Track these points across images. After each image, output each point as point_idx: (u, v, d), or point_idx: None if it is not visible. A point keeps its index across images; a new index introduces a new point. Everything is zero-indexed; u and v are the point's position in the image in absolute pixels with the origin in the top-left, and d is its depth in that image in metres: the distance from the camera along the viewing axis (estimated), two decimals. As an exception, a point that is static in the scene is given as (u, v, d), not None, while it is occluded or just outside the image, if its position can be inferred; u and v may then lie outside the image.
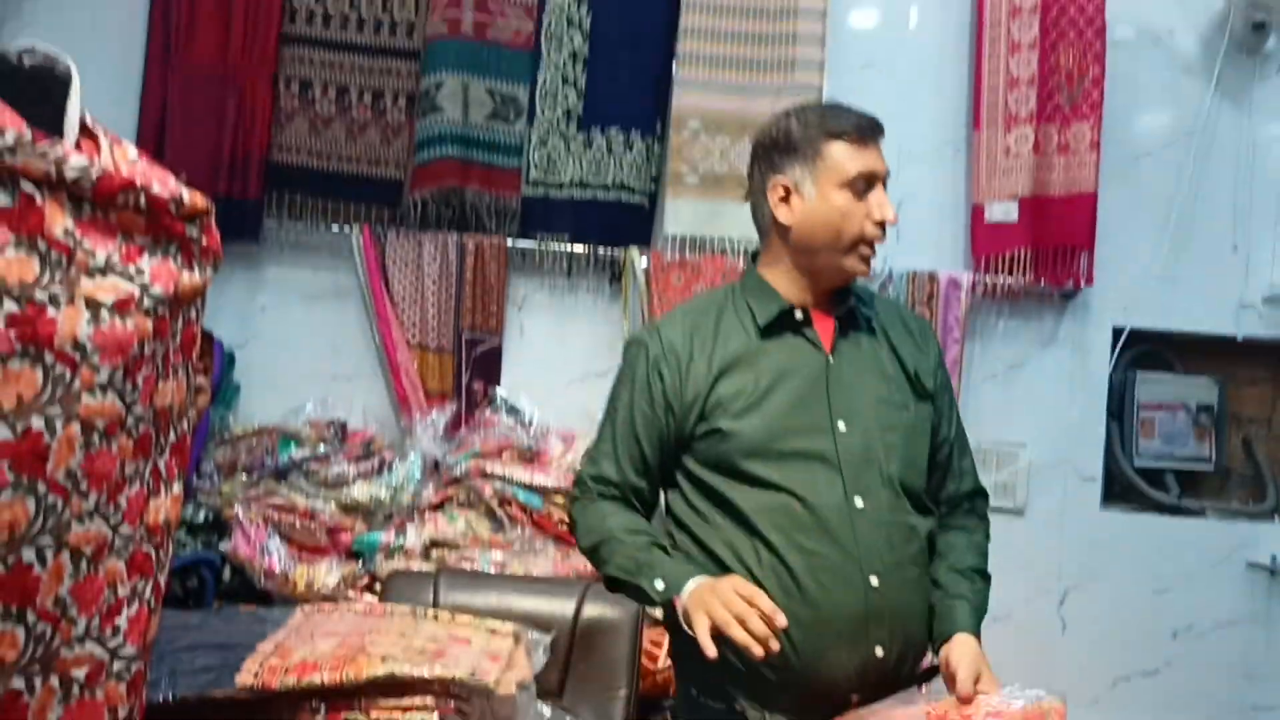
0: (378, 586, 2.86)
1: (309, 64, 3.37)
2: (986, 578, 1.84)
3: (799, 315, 1.81)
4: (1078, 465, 3.37)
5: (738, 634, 1.52)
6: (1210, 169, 3.38)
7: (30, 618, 1.10)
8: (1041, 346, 3.38)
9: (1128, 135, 3.37)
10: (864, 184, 1.74)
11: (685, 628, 1.59)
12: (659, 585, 1.66)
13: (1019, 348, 3.38)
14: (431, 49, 3.31)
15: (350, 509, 3.00)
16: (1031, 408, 3.37)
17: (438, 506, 3.05)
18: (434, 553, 2.94)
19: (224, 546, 2.81)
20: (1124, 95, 3.34)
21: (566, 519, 1.94)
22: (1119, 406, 3.43)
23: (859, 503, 1.71)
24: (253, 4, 3.30)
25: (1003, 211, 3.26)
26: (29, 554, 1.09)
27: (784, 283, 1.83)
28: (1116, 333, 3.36)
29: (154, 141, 3.24)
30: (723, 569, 1.69)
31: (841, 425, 1.74)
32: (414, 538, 2.97)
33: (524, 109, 3.35)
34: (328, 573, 2.85)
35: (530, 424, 3.19)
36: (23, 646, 1.10)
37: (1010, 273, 3.27)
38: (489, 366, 3.34)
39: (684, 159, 3.28)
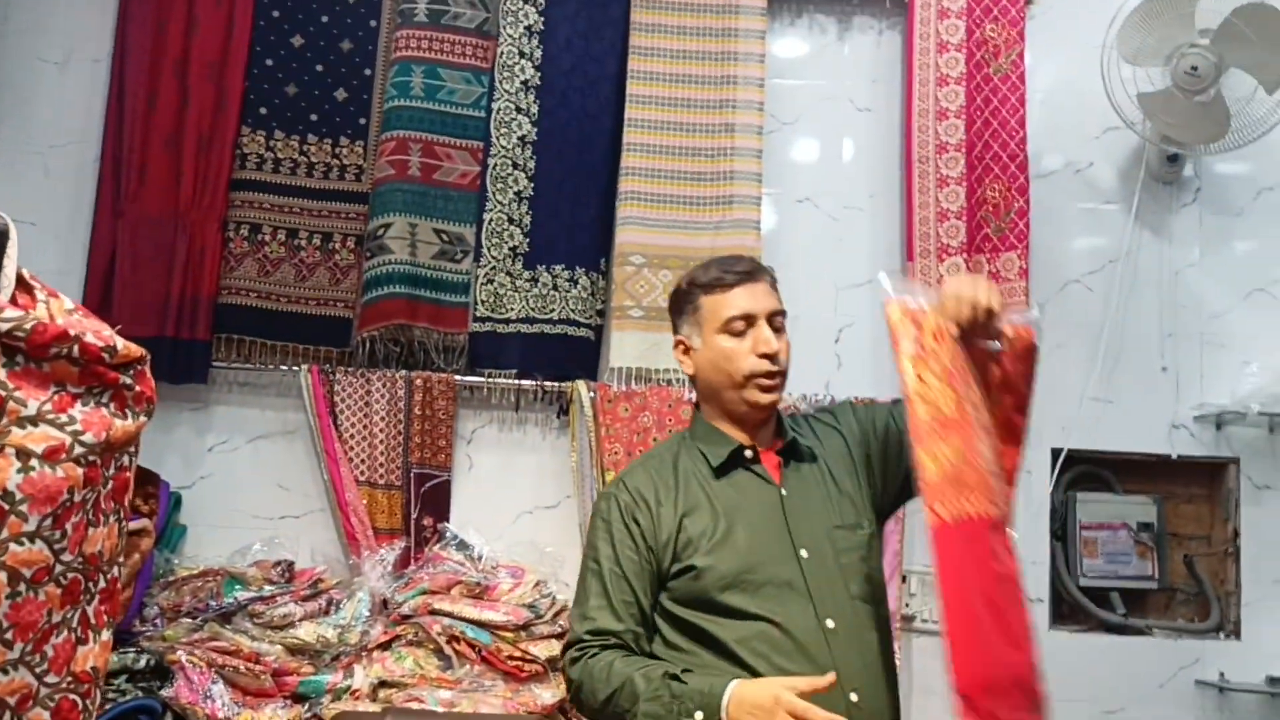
0: (323, 730, 2.82)
1: (258, 208, 3.44)
2: None
3: (748, 454, 1.95)
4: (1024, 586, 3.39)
5: None
6: (1135, 293, 3.51)
7: (-50, 772, 1.09)
8: (982, 469, 3.43)
9: (1055, 263, 3.50)
10: (742, 324, 1.92)
11: None
12: (700, 716, 1.67)
13: (962, 471, 3.43)
14: (379, 192, 3.39)
15: (297, 650, 2.96)
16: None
17: (385, 645, 3.01)
18: (381, 692, 2.90)
19: (166, 693, 2.76)
20: (1050, 225, 3.48)
21: (565, 683, 1.91)
22: (1061, 527, 3.47)
23: (830, 624, 1.80)
24: (203, 151, 3.39)
25: (938, 338, 3.35)
26: (-50, 706, 1.09)
27: (724, 425, 1.98)
28: (1055, 454, 3.43)
29: (102, 286, 3.28)
30: None
31: (804, 552, 1.85)
32: (361, 678, 2.93)
33: (471, 248, 3.43)
34: (272, 716, 2.80)
35: (480, 559, 3.19)
36: (-58, 803, 1.09)
37: (949, 397, 3.34)
38: (438, 502, 3.34)
39: (628, 293, 3.36)
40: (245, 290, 3.40)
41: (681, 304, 2.01)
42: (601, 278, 3.42)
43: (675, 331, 2.03)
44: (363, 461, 3.33)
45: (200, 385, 3.34)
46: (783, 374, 1.96)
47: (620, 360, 3.34)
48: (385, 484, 3.33)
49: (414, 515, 3.32)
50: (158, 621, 2.99)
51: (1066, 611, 3.46)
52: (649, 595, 1.87)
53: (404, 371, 3.34)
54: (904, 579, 3.31)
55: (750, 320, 1.93)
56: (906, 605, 3.32)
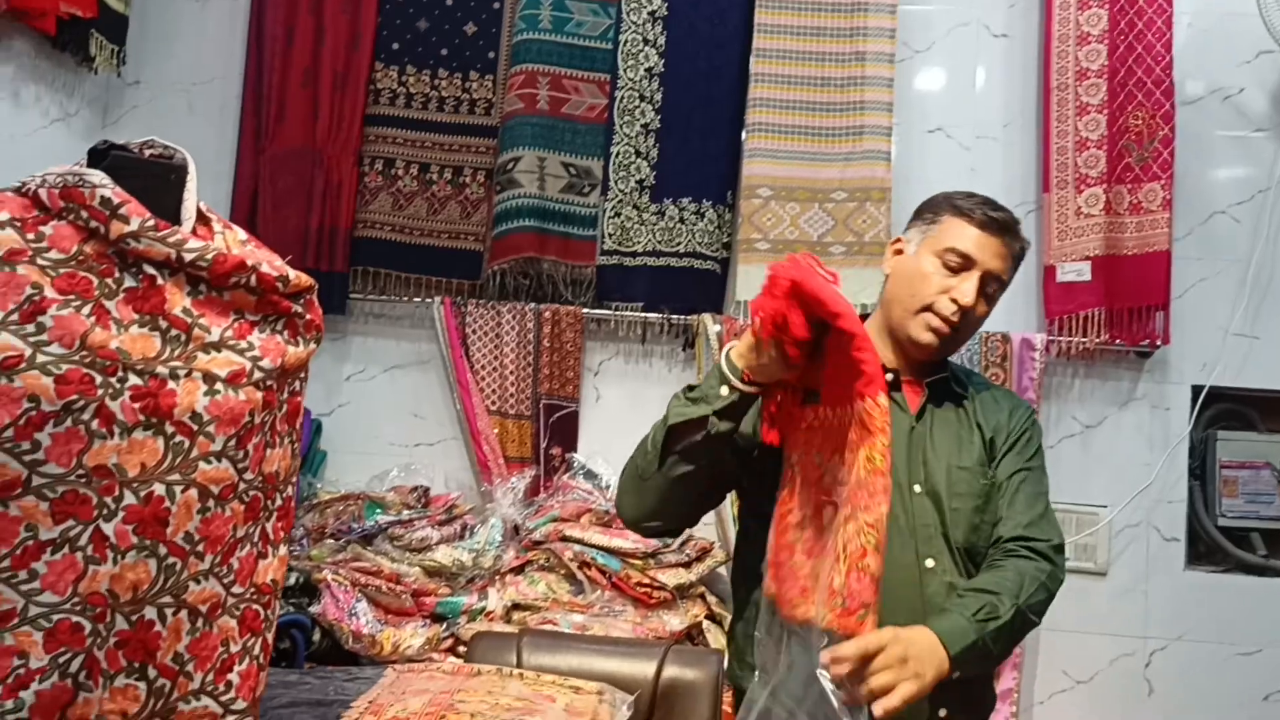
0: (461, 648, 2.92)
1: (391, 142, 3.51)
2: (991, 594, 1.71)
3: (890, 377, 1.82)
4: (1160, 526, 3.33)
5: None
6: (1286, 224, 3.37)
7: (151, 673, 1.17)
8: (1119, 406, 3.36)
9: (1200, 193, 3.37)
10: (958, 262, 1.81)
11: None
12: (724, 391, 1.66)
13: (1096, 408, 3.37)
14: (508, 126, 3.43)
15: (434, 573, 3.07)
16: (1110, 468, 3.34)
17: (518, 570, 3.10)
18: (515, 615, 2.99)
19: (314, 609, 2.89)
20: (1195, 154, 3.35)
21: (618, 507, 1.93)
22: (1200, 466, 3.39)
23: (929, 564, 1.77)
24: (339, 87, 3.47)
25: (1075, 272, 3.28)
26: (150, 612, 1.17)
27: (880, 346, 1.86)
28: (1196, 391, 3.33)
29: (247, 220, 3.40)
30: None
31: (917, 488, 1.80)
32: (495, 601, 3.02)
33: (599, 181, 3.45)
34: (413, 635, 2.91)
35: (607, 488, 3.25)
36: (144, 700, 1.17)
37: (1084, 333, 3.27)
38: (566, 432, 3.41)
39: (755, 226, 3.35)
40: (380, 224, 3.48)
41: (924, 210, 1.92)
42: (728, 210, 3.41)
43: (904, 231, 1.95)
44: (493, 391, 3.40)
45: (339, 316, 3.45)
46: (958, 331, 1.84)
47: (746, 293, 3.34)
48: (515, 414, 3.40)
49: (543, 445, 3.39)
50: (304, 542, 3.13)
51: (1204, 551, 3.38)
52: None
53: (533, 304, 3.40)
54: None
55: (967, 265, 1.81)
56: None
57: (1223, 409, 3.43)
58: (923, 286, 1.82)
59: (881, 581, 1.53)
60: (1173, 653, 3.29)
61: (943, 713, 1.70)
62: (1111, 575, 3.31)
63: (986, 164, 3.43)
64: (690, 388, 1.75)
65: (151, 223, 1.20)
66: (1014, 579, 1.74)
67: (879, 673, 1.46)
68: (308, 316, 1.36)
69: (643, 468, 1.78)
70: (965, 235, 1.81)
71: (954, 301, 1.79)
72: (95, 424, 1.13)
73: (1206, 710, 3.26)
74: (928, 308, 1.82)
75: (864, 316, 1.94)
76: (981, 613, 1.66)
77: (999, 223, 1.83)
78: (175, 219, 1.27)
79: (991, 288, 1.83)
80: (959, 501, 1.81)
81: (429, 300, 3.44)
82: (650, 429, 1.83)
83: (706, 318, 3.33)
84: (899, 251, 1.92)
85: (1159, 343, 3.26)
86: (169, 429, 1.18)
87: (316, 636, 2.89)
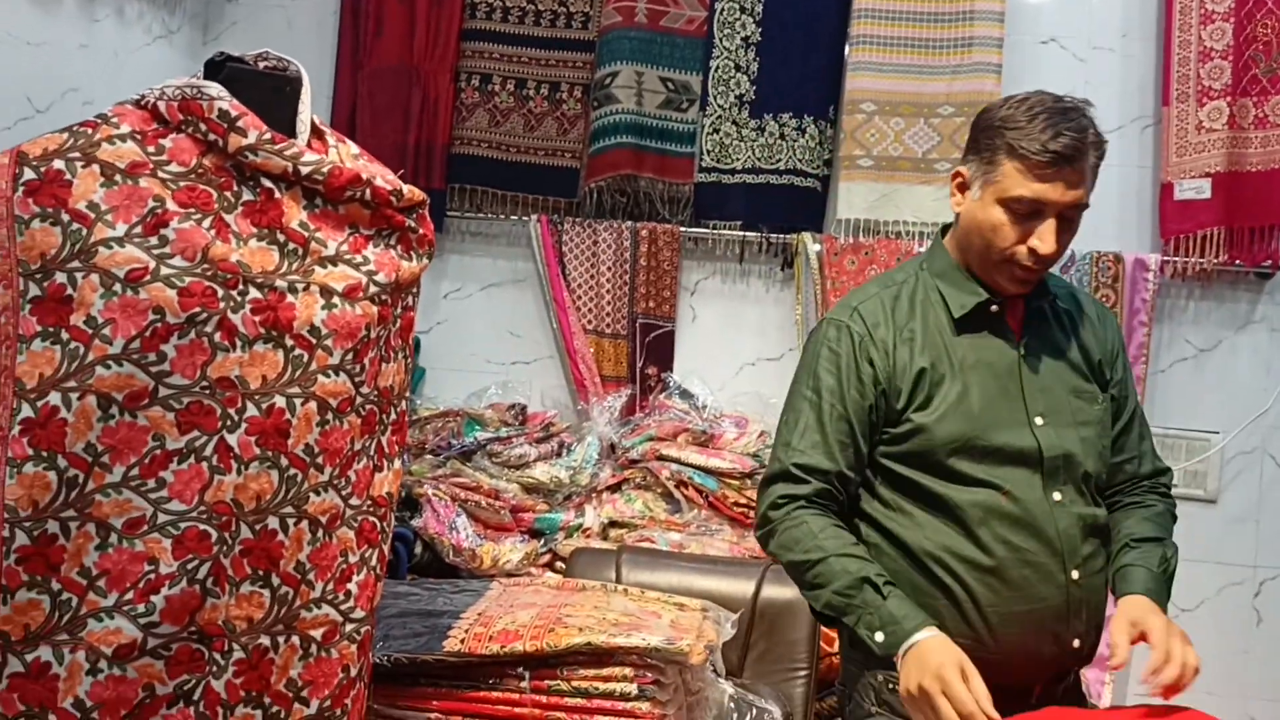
0: (559, 564, 2.96)
1: (488, 58, 3.48)
2: (1164, 543, 1.78)
3: (994, 308, 1.77)
4: (1275, 453, 3.23)
5: None
6: None
7: (275, 581, 1.20)
8: (1235, 329, 3.24)
9: (1331, 106, 3.20)
10: (1029, 209, 1.65)
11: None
12: (879, 638, 1.61)
13: (1211, 331, 3.25)
14: (606, 40, 3.37)
15: (531, 489, 3.11)
16: (1224, 393, 3.23)
17: (615, 488, 3.12)
18: (612, 532, 3.02)
19: (415, 523, 2.94)
20: (1327, 64, 3.18)
21: (756, 512, 1.82)
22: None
23: (1057, 496, 1.72)
24: (436, 3, 3.43)
25: (1194, 189, 3.14)
26: (273, 522, 1.19)
27: (964, 277, 1.78)
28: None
29: (346, 135, 3.40)
30: (922, 568, 1.71)
31: (1039, 420, 1.74)
32: (593, 517, 3.05)
33: (697, 96, 3.38)
34: (512, 549, 2.96)
35: (704, 408, 3.24)
36: (268, 607, 1.20)
37: (1201, 253, 3.14)
38: (663, 351, 3.39)
39: (857, 142, 3.27)
40: (476, 140, 3.47)
41: (980, 141, 1.71)
42: (830, 126, 3.33)
43: (963, 158, 1.75)
44: (590, 310, 3.40)
45: (437, 233, 3.45)
46: (1049, 265, 1.72)
47: (848, 211, 3.27)
48: (611, 333, 3.40)
49: (639, 364, 3.39)
50: (405, 457, 3.18)
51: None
52: (868, 441, 1.75)
53: (630, 222, 3.37)
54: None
55: (1039, 209, 1.64)
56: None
57: (1346, 333, 3.28)
58: (996, 239, 1.68)
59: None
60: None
61: (1075, 643, 1.70)
62: (1222, 503, 3.23)
63: (1102, 77, 3.28)
64: (870, 582, 1.66)
65: (268, 136, 1.20)
66: (1167, 521, 1.82)
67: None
68: (420, 231, 1.35)
69: (790, 564, 1.74)
70: (1030, 184, 1.63)
71: (1034, 249, 1.66)
72: (218, 336, 1.14)
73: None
74: (1007, 261, 1.69)
75: (944, 229, 1.86)
76: (1162, 565, 1.74)
77: (1064, 155, 1.62)
78: (291, 132, 1.26)
79: (1074, 212, 1.67)
80: (1086, 430, 1.76)
81: (525, 218, 3.43)
82: (794, 409, 1.79)
83: (806, 236, 3.27)
84: (963, 187, 1.75)
85: (1280, 264, 3.13)
86: (288, 342, 1.19)
87: (418, 549, 2.96)
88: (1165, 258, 3.17)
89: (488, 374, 3.45)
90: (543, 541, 3.04)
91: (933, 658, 1.54)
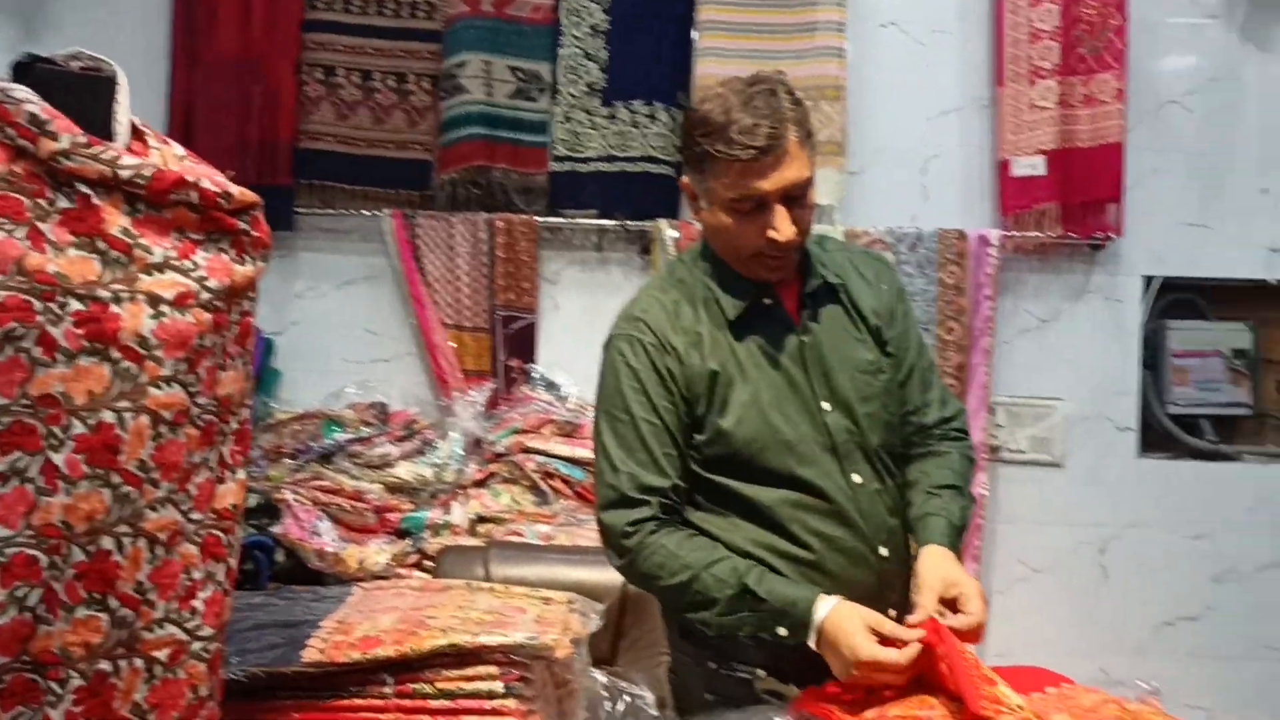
0: (428, 563, 2.92)
1: (331, 49, 3.40)
2: (962, 493, 1.82)
3: (767, 301, 1.79)
4: (1113, 416, 3.38)
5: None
6: (1236, 114, 3.36)
7: (112, 603, 1.15)
8: (1073, 299, 3.38)
9: (1153, 83, 3.35)
10: (752, 205, 1.67)
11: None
12: (783, 633, 1.64)
13: (1051, 302, 3.39)
14: (452, 29, 3.33)
15: (396, 489, 3.06)
16: (1065, 361, 3.37)
17: (481, 483, 3.10)
18: (480, 528, 2.99)
19: (275, 529, 2.87)
20: (1147, 43, 3.33)
21: (605, 545, 1.80)
22: (1153, 355, 3.43)
23: (856, 478, 1.76)
24: (272, -8, 3.33)
25: (1029, 166, 3.26)
26: (108, 542, 1.14)
27: (734, 277, 1.80)
28: (1148, 282, 3.36)
29: (183, 134, 3.28)
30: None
31: (826, 406, 1.77)
32: (460, 514, 3.02)
33: (547, 85, 3.37)
34: (378, 552, 2.91)
35: (569, 399, 3.24)
36: (106, 631, 1.14)
37: (1039, 228, 3.27)
38: (524, 343, 3.37)
39: (708, 128, 3.29)
40: (323, 135, 3.39)
41: (690, 151, 1.72)
42: (681, 112, 3.35)
43: (687, 167, 1.76)
44: (448, 305, 3.36)
45: (286, 232, 3.36)
46: (797, 247, 1.75)
47: (703, 197, 3.30)
48: (472, 326, 3.36)
49: (501, 357, 3.36)
50: (261, 463, 3.10)
51: (1156, 440, 3.44)
52: (685, 446, 1.76)
53: (485, 214, 3.34)
54: (991, 410, 3.31)
55: (762, 202, 1.67)
56: (993, 436, 3.33)
57: (1174, 299, 3.46)
58: (738, 240, 1.72)
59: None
60: (1127, 540, 3.36)
61: (892, 613, 1.67)
62: (1068, 467, 3.37)
63: (941, 59, 3.39)
64: (746, 589, 1.67)
65: (83, 139, 1.14)
66: (963, 467, 1.86)
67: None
68: (254, 233, 1.31)
69: (667, 588, 1.74)
70: (741, 181, 1.65)
71: (773, 239, 1.68)
72: (38, 352, 1.08)
73: (1159, 593, 3.35)
74: (755, 255, 1.72)
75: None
76: (961, 516, 1.78)
77: (764, 147, 1.63)
78: (108, 135, 1.20)
79: (798, 190, 1.69)
80: (869, 406, 1.79)
81: (378, 213, 3.36)
82: (615, 427, 1.76)
83: (662, 223, 3.29)
84: (694, 197, 1.77)
85: (1111, 235, 3.27)
86: (115, 354, 1.13)
87: (280, 557, 2.88)
88: (1006, 233, 3.29)
89: (346, 374, 3.37)
90: (410, 541, 2.99)
91: (843, 643, 1.56)
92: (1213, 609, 3.35)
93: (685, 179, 1.78)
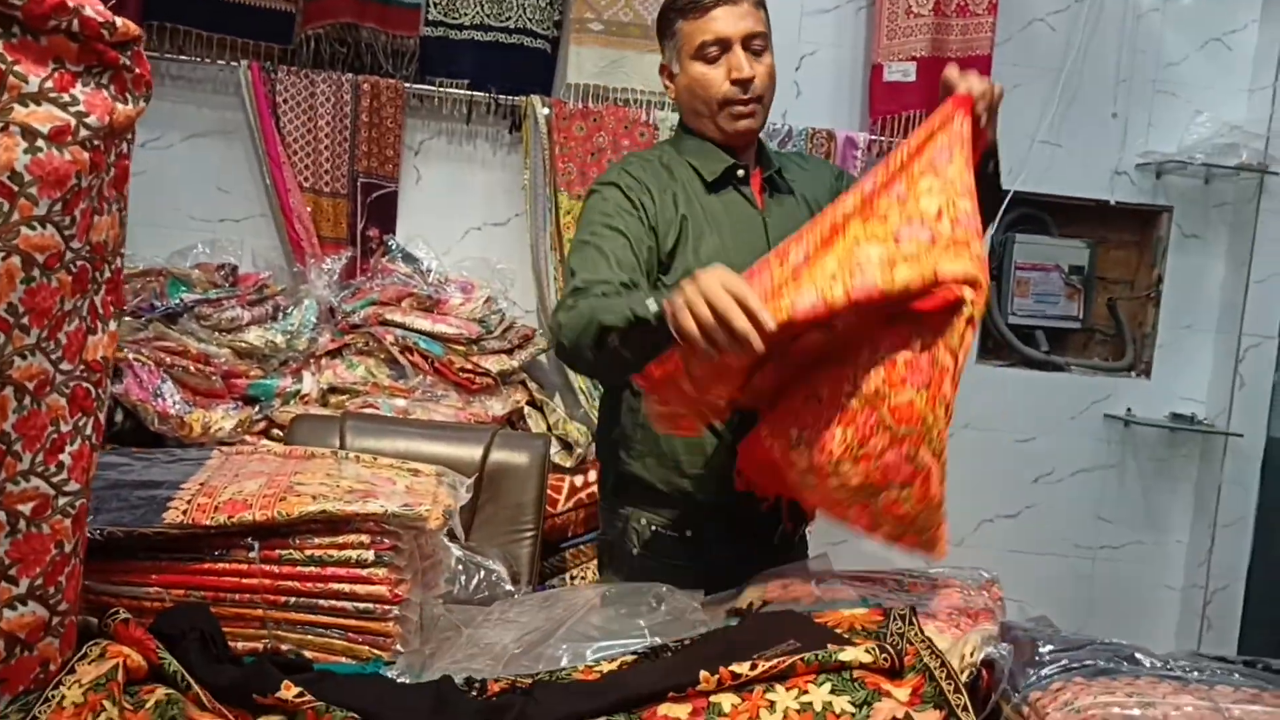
0: (275, 431, 2.86)
1: (189, -117, 3.16)
2: None
3: (740, 173, 1.94)
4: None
5: (719, 334, 1.37)
6: (1097, 36, 3.48)
7: (-24, 452, 1.09)
8: (930, 206, 3.47)
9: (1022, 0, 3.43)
10: (716, 49, 1.87)
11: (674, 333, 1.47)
12: (652, 306, 1.54)
13: (908, 207, 3.47)
14: (324, -126, 3.14)
15: (245, 354, 2.96)
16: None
17: (335, 353, 3.03)
18: (332, 399, 2.94)
19: (115, 389, 2.75)
20: (1021, -42, 3.40)
21: (555, 346, 1.77)
22: (998, 267, 3.57)
23: None
24: None
25: (900, 72, 3.31)
26: (-28, 389, 1.08)
27: (709, 154, 1.95)
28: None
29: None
30: None
31: None
32: (311, 383, 2.95)
33: (423, -56, 3.22)
34: (224, 417, 2.83)
35: (429, 273, 3.17)
36: (-32, 481, 1.09)
37: (905, 134, 3.33)
38: (385, 213, 3.28)
39: (588, 5, 3.22)
40: (178, -25, 3.17)
41: (662, 29, 1.96)
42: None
43: (662, 57, 1.99)
44: (306, 167, 3.23)
45: (132, 77, 3.15)
46: (760, 99, 1.91)
47: (577, 76, 3.24)
48: (330, 191, 3.25)
49: (360, 225, 3.27)
50: (119, 319, 2.94)
51: (993, 347, 3.61)
52: (648, 267, 1.82)
53: (351, 75, 3.20)
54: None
55: (725, 45, 1.87)
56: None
57: (1022, 213, 3.60)
58: (705, 89, 1.89)
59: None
60: (960, 439, 3.51)
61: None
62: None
63: (823, -44, 3.38)
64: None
65: (-50, -50, 1.04)
66: None
67: None
68: (136, 70, 1.22)
69: (580, 345, 1.65)
70: (702, 26, 1.87)
71: (736, 82, 1.87)
72: (-103, 181, 1.00)
73: (984, 492, 3.55)
74: (723, 104, 1.89)
75: (681, 124, 2.01)
76: None
77: None
78: (-24, -52, 1.10)
79: (756, 44, 1.89)
80: None
81: (235, 64, 3.18)
82: (583, 254, 1.79)
83: (535, 99, 3.22)
84: (670, 75, 1.96)
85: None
86: (-16, 189, 1.05)
87: (119, 417, 2.77)
88: (873, 136, 3.34)
89: (193, 231, 3.23)
90: (258, 408, 2.92)
91: (702, 275, 1.43)
92: (1031, 508, 3.57)
93: (662, 62, 1.98)
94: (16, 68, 1.09)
